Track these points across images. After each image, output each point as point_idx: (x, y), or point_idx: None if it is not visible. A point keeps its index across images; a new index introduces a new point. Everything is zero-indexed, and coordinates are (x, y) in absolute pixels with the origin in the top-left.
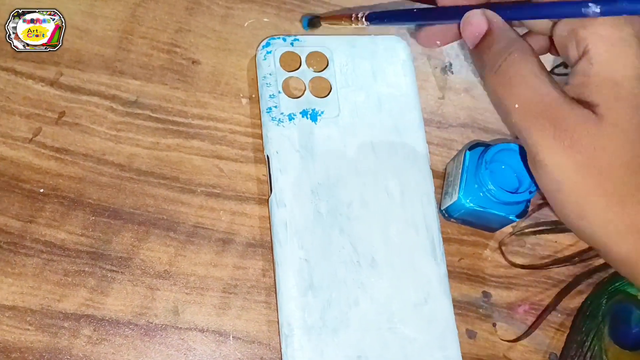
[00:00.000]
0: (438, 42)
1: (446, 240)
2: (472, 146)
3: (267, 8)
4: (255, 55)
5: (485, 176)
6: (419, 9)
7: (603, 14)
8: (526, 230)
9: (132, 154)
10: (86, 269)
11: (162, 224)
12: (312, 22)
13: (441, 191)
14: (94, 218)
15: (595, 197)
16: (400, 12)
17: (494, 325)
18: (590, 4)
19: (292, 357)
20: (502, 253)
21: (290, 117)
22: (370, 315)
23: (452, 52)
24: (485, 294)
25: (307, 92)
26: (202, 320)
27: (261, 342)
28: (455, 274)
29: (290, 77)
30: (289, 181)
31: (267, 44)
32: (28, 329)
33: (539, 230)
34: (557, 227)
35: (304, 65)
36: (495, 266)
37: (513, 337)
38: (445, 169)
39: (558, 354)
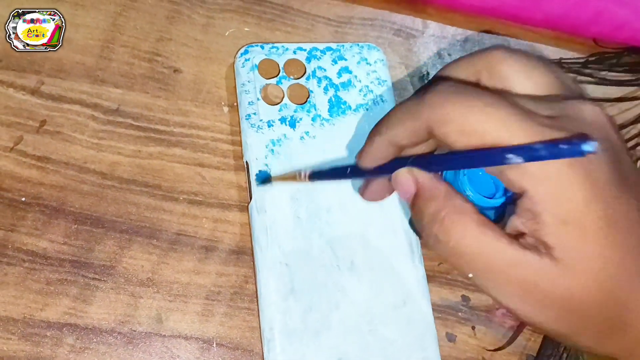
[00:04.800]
0: (387, 194)
1: (425, 245)
2: None
3: (247, 17)
4: (234, 62)
5: (463, 182)
6: (351, 168)
7: (527, 161)
8: None
9: (114, 162)
10: (68, 277)
11: (144, 232)
12: (264, 181)
13: None
14: (76, 226)
15: (577, 337)
16: (336, 170)
17: (473, 328)
18: (510, 155)
19: None
20: None
21: (269, 124)
22: (351, 318)
23: (430, 61)
24: (465, 298)
25: (286, 98)
26: (186, 328)
27: (245, 349)
28: (435, 278)
29: (269, 84)
30: (269, 187)
31: (246, 52)
32: (10, 339)
33: None
34: None
35: (282, 73)
36: None
37: (492, 339)
38: None
39: (534, 355)
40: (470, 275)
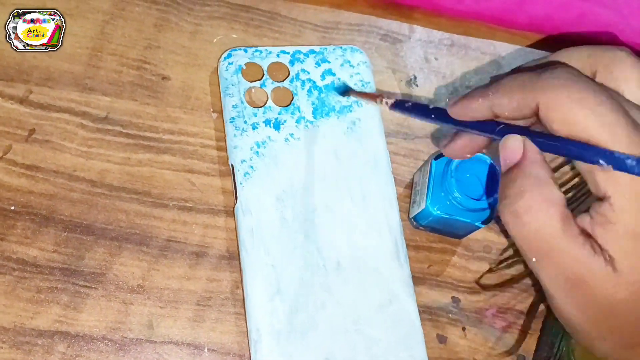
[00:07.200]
0: (467, 155)
1: (415, 247)
2: (438, 156)
3: (235, 24)
4: (218, 66)
5: (451, 184)
6: (438, 112)
7: (615, 169)
8: (502, 266)
9: (103, 170)
10: (59, 285)
11: (134, 239)
12: (344, 92)
13: (409, 200)
14: (66, 234)
15: (604, 343)
16: (421, 108)
17: (464, 329)
18: (601, 159)
19: None
20: (480, 285)
21: (254, 127)
22: (337, 317)
23: (417, 65)
24: (455, 299)
25: (270, 101)
26: (177, 334)
27: (236, 354)
28: (424, 281)
29: (253, 87)
30: (254, 189)
31: (229, 55)
32: (1, 347)
33: (515, 261)
34: None
35: (266, 76)
36: (463, 272)
37: (482, 340)
38: (413, 178)
39: (525, 356)
40: (534, 260)
